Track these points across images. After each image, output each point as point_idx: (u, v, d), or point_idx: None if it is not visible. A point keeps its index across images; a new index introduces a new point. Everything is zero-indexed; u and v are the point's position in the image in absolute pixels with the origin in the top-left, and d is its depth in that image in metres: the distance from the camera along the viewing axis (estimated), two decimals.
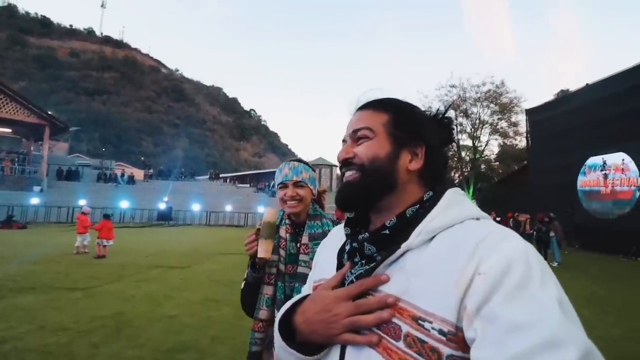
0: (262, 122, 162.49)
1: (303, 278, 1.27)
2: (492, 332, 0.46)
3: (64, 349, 3.44)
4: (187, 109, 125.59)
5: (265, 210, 1.29)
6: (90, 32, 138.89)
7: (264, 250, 1.20)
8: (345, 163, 0.70)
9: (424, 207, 0.64)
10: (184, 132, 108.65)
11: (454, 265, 0.53)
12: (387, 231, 0.64)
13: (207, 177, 44.22)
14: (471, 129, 27.50)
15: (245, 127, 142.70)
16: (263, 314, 1.31)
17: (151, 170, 37.09)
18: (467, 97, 26.90)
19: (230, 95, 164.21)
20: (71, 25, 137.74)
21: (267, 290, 1.33)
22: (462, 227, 0.58)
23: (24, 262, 7.71)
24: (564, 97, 19.50)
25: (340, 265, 0.71)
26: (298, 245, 1.37)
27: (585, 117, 14.92)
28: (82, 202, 20.13)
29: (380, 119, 0.69)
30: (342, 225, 0.78)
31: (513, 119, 26.51)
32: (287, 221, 1.41)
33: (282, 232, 1.39)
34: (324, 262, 0.79)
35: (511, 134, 27.20)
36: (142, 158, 64.95)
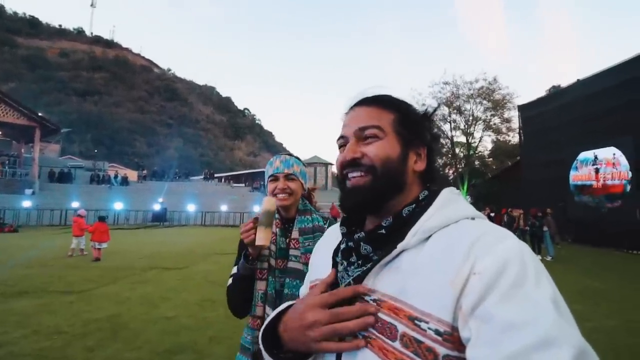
0: (257, 121, 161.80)
1: (293, 273, 1.28)
2: (488, 331, 0.46)
3: (59, 353, 3.41)
4: (180, 108, 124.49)
5: (264, 199, 1.27)
6: (80, 32, 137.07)
7: (262, 237, 1.16)
8: (352, 164, 0.66)
9: (420, 207, 0.64)
10: (177, 132, 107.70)
11: (450, 265, 0.53)
12: (383, 231, 0.64)
13: (202, 177, 43.96)
14: (465, 126, 27.66)
15: (239, 126, 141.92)
16: (260, 310, 1.29)
17: (145, 171, 36.75)
18: (460, 94, 27.04)
19: (224, 94, 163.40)
20: (60, 25, 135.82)
21: (261, 286, 1.30)
22: (458, 227, 0.58)
23: (16, 266, 7.62)
24: (555, 93, 19.65)
25: (335, 265, 0.71)
26: (288, 240, 1.35)
27: (577, 113, 15.06)
28: (75, 204, 19.95)
29: (388, 117, 0.67)
30: (338, 225, 0.78)
31: (506, 115, 26.70)
32: (276, 216, 1.39)
33: (272, 226, 1.37)
34: (319, 262, 0.79)
35: (504, 130, 27.38)
36: (136, 159, 64.34)
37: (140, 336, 3.90)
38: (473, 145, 28.03)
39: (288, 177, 1.36)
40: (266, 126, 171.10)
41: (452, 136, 28.19)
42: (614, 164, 13.51)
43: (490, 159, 31.94)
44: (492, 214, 17.73)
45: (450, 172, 30.12)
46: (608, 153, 13.76)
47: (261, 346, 0.68)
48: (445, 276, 0.53)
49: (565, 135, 15.70)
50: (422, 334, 0.52)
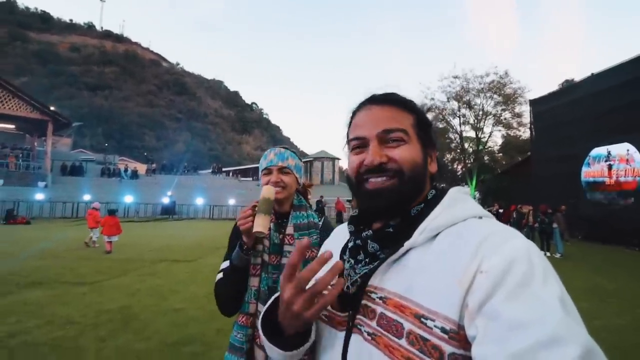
0: (264, 116, 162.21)
1: None
2: (494, 329, 0.46)
3: (71, 343, 3.50)
4: (189, 102, 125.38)
5: (263, 187, 1.24)
6: (90, 27, 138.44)
7: (260, 224, 1.10)
8: (378, 169, 0.64)
9: (428, 205, 0.64)
10: (186, 126, 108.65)
11: (457, 263, 0.53)
12: (390, 229, 0.65)
13: (210, 171, 44.28)
14: (474, 120, 27.25)
15: (247, 120, 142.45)
16: (252, 307, 1.24)
17: (154, 165, 37.14)
18: (470, 88, 26.58)
19: (232, 89, 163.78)
20: (71, 20, 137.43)
21: (254, 282, 1.26)
22: (465, 226, 0.59)
23: (30, 258, 7.80)
24: (568, 87, 19.24)
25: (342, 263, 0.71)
26: (281, 236, 1.31)
27: (590, 108, 14.74)
28: (86, 197, 20.28)
29: (408, 119, 0.67)
30: (345, 224, 0.78)
31: (517, 110, 26.17)
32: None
33: (271, 214, 1.30)
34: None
35: (515, 124, 26.88)
36: (145, 153, 65.07)
37: (150, 327, 3.97)
38: (483, 140, 27.64)
39: (282, 170, 1.32)
40: (274, 121, 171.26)
41: (461, 131, 27.86)
42: (627, 160, 13.23)
43: (500, 154, 31.52)
44: (501, 210, 17.56)
45: (459, 167, 29.82)
46: (622, 149, 13.47)
47: (262, 335, 0.67)
48: (452, 274, 0.53)
49: (577, 131, 15.39)
50: (429, 332, 0.52)
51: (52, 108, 24.86)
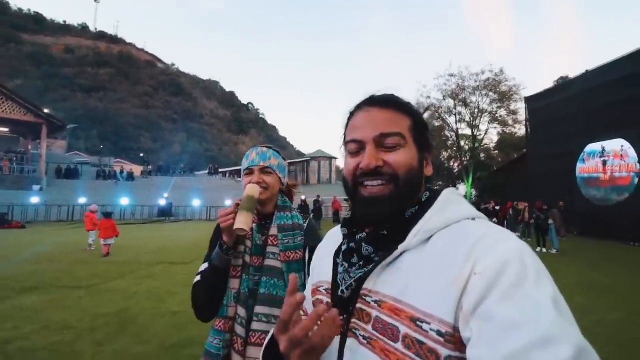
0: (260, 116, 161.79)
1: (271, 271, 1.19)
2: (488, 330, 0.46)
3: (69, 348, 3.48)
4: (185, 103, 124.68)
5: (247, 185, 1.22)
6: (84, 28, 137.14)
7: (242, 222, 1.06)
8: (374, 172, 0.64)
9: (421, 208, 0.64)
10: (182, 127, 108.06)
11: (451, 265, 0.53)
12: (385, 231, 0.64)
13: (207, 172, 44.13)
14: (470, 118, 27.35)
15: (243, 120, 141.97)
16: (232, 311, 1.18)
17: (150, 167, 36.98)
18: (466, 86, 26.68)
19: (227, 89, 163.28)
20: (65, 21, 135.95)
21: (234, 284, 1.20)
22: (459, 228, 0.59)
23: (25, 262, 7.74)
24: (563, 84, 19.37)
25: (336, 266, 0.71)
26: (264, 237, 1.27)
27: (585, 104, 14.84)
28: (82, 200, 20.17)
29: (405, 123, 0.66)
30: (339, 227, 0.78)
31: (512, 107, 26.31)
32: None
33: (253, 213, 1.25)
34: (320, 265, 0.79)
35: (510, 122, 27.03)
36: (141, 154, 64.69)
37: (148, 330, 3.96)
38: (479, 137, 27.77)
39: (264, 170, 1.28)
40: (270, 121, 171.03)
41: (457, 129, 27.96)
42: (622, 156, 13.34)
43: (496, 151, 31.65)
44: (497, 207, 17.66)
45: (455, 165, 29.92)
46: (616, 145, 13.58)
47: None
48: (447, 277, 0.53)
49: (572, 127, 15.50)
50: (424, 335, 0.52)
51: (46, 110, 24.68)
